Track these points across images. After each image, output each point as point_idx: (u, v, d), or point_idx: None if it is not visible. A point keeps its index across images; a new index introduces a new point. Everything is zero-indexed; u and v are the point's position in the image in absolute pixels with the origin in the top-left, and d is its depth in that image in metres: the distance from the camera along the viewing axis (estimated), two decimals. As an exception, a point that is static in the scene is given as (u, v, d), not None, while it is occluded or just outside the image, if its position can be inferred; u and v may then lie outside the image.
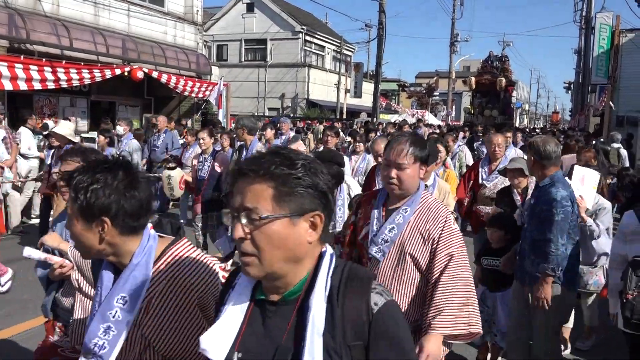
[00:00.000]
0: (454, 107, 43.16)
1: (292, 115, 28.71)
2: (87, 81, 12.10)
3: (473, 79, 25.94)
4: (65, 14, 12.87)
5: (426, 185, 3.90)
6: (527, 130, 27.20)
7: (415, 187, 2.46)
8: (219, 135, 7.96)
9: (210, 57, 30.12)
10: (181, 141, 10.22)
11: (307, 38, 31.97)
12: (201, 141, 6.24)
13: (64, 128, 6.31)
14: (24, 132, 9.13)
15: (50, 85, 11.07)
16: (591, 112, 24.69)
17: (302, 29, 31.21)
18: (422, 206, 2.45)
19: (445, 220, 2.40)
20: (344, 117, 29.05)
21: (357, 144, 7.03)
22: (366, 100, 32.85)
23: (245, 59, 32.74)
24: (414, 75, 66.05)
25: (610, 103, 18.81)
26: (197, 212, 6.31)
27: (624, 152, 11.08)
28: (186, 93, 15.25)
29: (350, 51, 36.95)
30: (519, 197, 4.43)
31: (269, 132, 8.29)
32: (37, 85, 10.77)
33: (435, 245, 2.37)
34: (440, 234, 2.37)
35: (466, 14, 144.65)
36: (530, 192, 4.20)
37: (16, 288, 5.42)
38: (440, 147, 5.61)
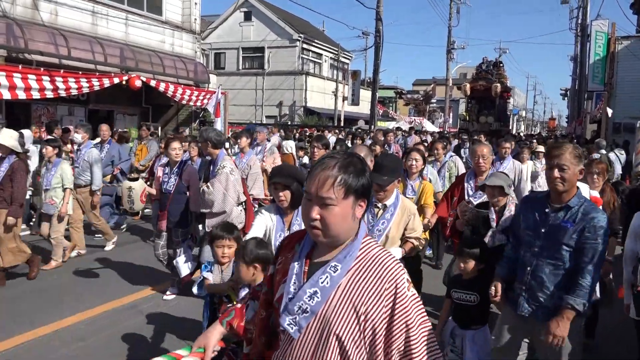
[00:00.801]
0: (451, 114, 43.31)
1: (290, 122, 28.75)
2: (85, 90, 12.10)
3: (468, 85, 25.44)
4: (63, 23, 12.90)
5: (385, 206, 3.63)
6: (522, 137, 26.84)
7: (350, 232, 1.64)
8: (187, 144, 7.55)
9: (208, 65, 30.18)
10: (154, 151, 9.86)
11: (305, 46, 32.08)
12: (174, 152, 5.59)
13: (7, 137, 5.74)
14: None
15: (49, 95, 11.07)
16: (588, 118, 24.80)
17: (300, 37, 31.33)
18: (360, 263, 1.63)
19: (396, 289, 1.58)
20: (342, 124, 29.11)
21: (317, 152, 5.39)
22: (364, 107, 32.93)
23: (242, 67, 32.82)
24: (411, 83, 66.32)
25: (608, 109, 18.87)
26: (161, 228, 5.65)
27: (613, 157, 11.97)
28: (184, 101, 15.27)
29: (348, 59, 37.07)
30: (494, 216, 3.88)
31: (244, 141, 7.61)
32: (36, 95, 10.77)
33: (377, 333, 1.57)
34: (390, 316, 1.57)
35: (463, 22, 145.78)
36: (510, 212, 3.76)
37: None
38: (416, 156, 5.18)
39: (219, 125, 14.81)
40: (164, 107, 16.58)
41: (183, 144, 6.11)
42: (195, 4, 17.14)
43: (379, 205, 3.64)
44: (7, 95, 10.21)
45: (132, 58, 14.18)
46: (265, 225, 3.29)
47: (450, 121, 41.77)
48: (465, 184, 4.93)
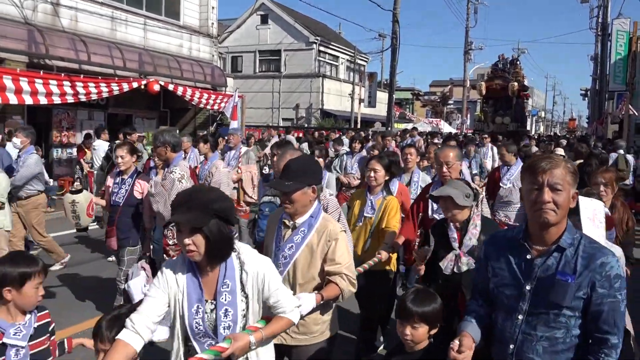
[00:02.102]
0: (468, 115, 42.92)
1: (306, 125, 28.77)
2: (105, 95, 12.26)
3: (483, 84, 24.52)
4: (83, 29, 13.09)
5: (295, 225, 2.74)
6: (544, 138, 26.20)
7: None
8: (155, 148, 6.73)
9: (225, 69, 30.38)
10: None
11: (321, 48, 32.11)
12: (120, 159, 4.96)
13: None
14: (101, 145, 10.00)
15: (70, 100, 11.23)
16: (609, 119, 24.38)
17: (316, 39, 31.36)
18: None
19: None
20: (359, 126, 29.04)
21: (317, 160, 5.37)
22: (380, 109, 32.81)
23: (259, 70, 32.96)
24: (428, 84, 65.99)
25: (631, 108, 18.53)
26: (111, 246, 5.09)
27: (630, 158, 11.55)
28: (201, 105, 15.38)
29: (364, 61, 37.00)
30: (455, 235, 3.13)
31: (203, 147, 6.72)
32: (57, 100, 10.93)
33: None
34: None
35: (480, 22, 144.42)
36: (475, 228, 3.09)
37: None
38: (376, 165, 4.21)
39: (236, 129, 14.90)
40: (181, 110, 16.71)
41: (136, 152, 5.32)
42: (213, 8, 17.26)
43: (289, 223, 2.76)
44: (29, 101, 10.38)
45: (151, 63, 14.33)
46: (167, 296, 2.16)
47: (468, 122, 41.40)
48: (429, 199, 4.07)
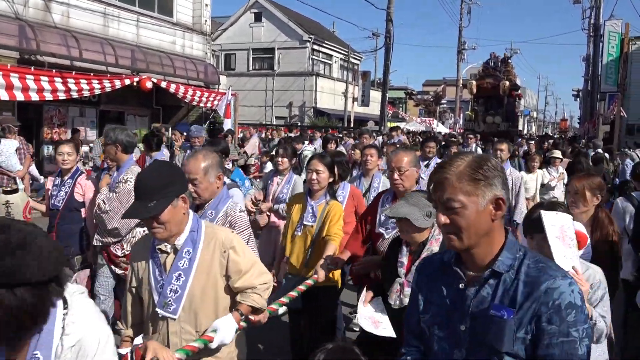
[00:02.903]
0: (461, 114, 43.07)
1: (299, 123, 28.74)
2: (97, 91, 12.17)
3: (474, 82, 24.14)
4: (75, 25, 12.98)
5: (175, 248, 2.24)
6: (535, 137, 26.21)
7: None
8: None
9: (218, 66, 30.27)
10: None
11: (315, 47, 32.07)
12: (64, 157, 4.40)
13: None
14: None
15: (61, 96, 11.13)
16: (600, 120, 24.55)
17: (310, 37, 31.32)
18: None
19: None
20: (352, 125, 29.05)
21: (281, 160, 5.06)
22: (374, 108, 32.85)
23: (252, 67, 32.88)
24: (421, 84, 66.10)
25: (622, 110, 18.67)
26: None
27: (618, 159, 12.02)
28: (194, 103, 15.31)
29: (358, 60, 37.01)
30: (405, 259, 2.68)
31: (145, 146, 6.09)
32: (49, 96, 10.83)
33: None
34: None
35: (473, 22, 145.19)
36: (428, 251, 2.60)
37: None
38: (318, 166, 3.60)
39: (229, 126, 14.86)
40: (174, 108, 16.62)
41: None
42: (206, 5, 17.18)
43: (167, 247, 2.22)
44: (20, 97, 10.28)
45: (143, 59, 14.24)
46: None
47: (461, 122, 41.54)
48: (379, 209, 3.41)
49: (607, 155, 11.93)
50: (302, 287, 3.13)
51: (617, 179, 9.99)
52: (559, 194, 7.57)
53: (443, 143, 13.55)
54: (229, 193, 3.04)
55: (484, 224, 1.48)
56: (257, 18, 32.37)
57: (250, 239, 2.89)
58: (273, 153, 11.15)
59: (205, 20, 17.31)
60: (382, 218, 3.33)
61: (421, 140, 12.14)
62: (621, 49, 23.17)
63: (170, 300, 2.18)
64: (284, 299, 2.99)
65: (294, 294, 3.06)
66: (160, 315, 2.21)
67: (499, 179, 1.48)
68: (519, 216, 5.44)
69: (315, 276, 3.22)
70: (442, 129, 33.72)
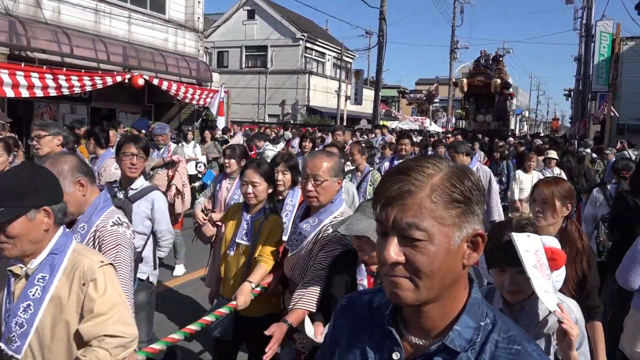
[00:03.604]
0: (453, 113, 43.23)
1: (292, 121, 28.71)
2: (88, 88, 12.10)
3: (465, 80, 23.51)
4: (66, 21, 12.88)
5: (28, 273, 1.88)
6: (528, 136, 25.93)
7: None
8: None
9: (211, 64, 30.15)
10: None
11: (308, 45, 32.02)
12: None
13: None
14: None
15: (52, 92, 11.06)
16: (591, 119, 24.72)
17: (303, 35, 31.27)
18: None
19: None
20: (345, 123, 29.06)
21: (228, 161, 4.57)
22: (367, 106, 32.86)
23: (245, 65, 32.79)
24: (414, 82, 66.22)
25: (613, 109, 18.81)
26: None
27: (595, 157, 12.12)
28: (187, 100, 15.25)
29: (351, 58, 37.00)
30: (365, 282, 2.27)
31: (89, 143, 5.54)
32: (39, 93, 10.77)
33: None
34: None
35: (466, 22, 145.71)
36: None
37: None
38: (254, 177, 3.01)
39: (223, 123, 14.81)
40: (166, 105, 16.55)
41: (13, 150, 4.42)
42: (199, 2, 17.11)
43: (21, 269, 1.86)
44: (10, 94, 10.21)
45: (135, 56, 14.16)
46: None
47: (453, 121, 41.69)
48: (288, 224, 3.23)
49: (594, 155, 12.13)
50: (208, 319, 2.60)
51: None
52: None
53: (426, 142, 12.50)
54: (107, 201, 2.48)
55: (453, 269, 0.99)
56: (250, 15, 32.27)
57: (119, 259, 2.29)
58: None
59: (198, 17, 17.23)
60: (288, 232, 2.93)
61: (397, 134, 10.93)
62: (612, 49, 23.33)
63: (14, 336, 1.78)
64: (192, 326, 2.46)
65: (208, 319, 2.60)
66: (3, 352, 1.82)
67: (481, 206, 1.02)
68: (498, 215, 5.22)
69: (233, 304, 2.68)
70: (434, 127, 33.80)
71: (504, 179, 9.94)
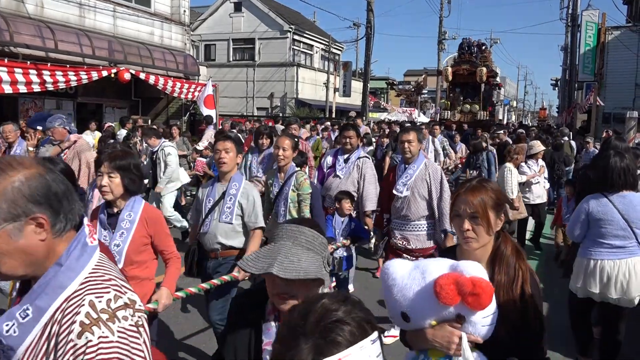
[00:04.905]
0: (439, 104, 43.36)
1: (281, 114, 28.65)
2: (73, 84, 11.96)
3: (449, 69, 22.58)
4: (49, 15, 12.71)
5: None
6: (515, 126, 25.75)
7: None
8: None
9: (198, 57, 29.95)
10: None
11: (296, 37, 31.89)
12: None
13: None
14: None
15: (36, 88, 10.93)
16: (578, 109, 24.92)
17: (291, 28, 31.12)
18: None
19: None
20: (333, 116, 29.04)
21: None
22: (355, 98, 32.87)
23: (233, 58, 32.59)
24: (402, 74, 66.30)
25: (598, 99, 18.98)
26: None
27: (574, 144, 12.78)
28: (175, 94, 15.14)
29: (339, 50, 36.91)
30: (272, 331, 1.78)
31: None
32: (23, 89, 10.63)
33: None
34: None
35: (454, 12, 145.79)
36: None
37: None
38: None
39: (213, 116, 14.65)
40: (154, 99, 16.44)
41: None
42: (185, -5, 16.96)
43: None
44: (-7, 90, 10.07)
45: (121, 51, 14.02)
46: None
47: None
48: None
49: (572, 143, 12.64)
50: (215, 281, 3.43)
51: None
52: (541, 190, 7.17)
53: (393, 131, 10.90)
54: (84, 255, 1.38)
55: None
56: (237, 8, 32.04)
57: None
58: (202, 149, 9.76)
59: (184, 10, 17.09)
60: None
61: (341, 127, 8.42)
62: (598, 39, 23.48)
63: None
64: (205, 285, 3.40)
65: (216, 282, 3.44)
66: None
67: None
68: (448, 223, 4.15)
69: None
70: (423, 118, 33.83)
71: (483, 174, 9.01)
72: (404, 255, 4.18)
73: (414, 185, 4.31)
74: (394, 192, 4.38)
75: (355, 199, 5.17)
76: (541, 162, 7.37)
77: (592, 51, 23.85)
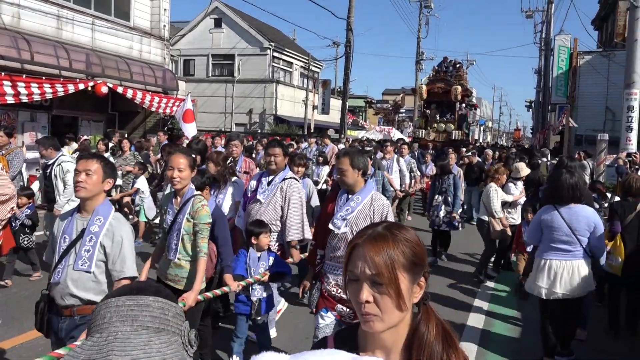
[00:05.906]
0: (413, 122, 43.88)
1: (260, 130, 28.60)
2: (49, 96, 11.78)
3: (424, 87, 22.27)
4: (26, 26, 12.54)
5: None
6: (502, 145, 25.94)
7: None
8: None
9: (177, 72, 29.82)
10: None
11: (275, 54, 32.04)
12: None
13: None
14: None
15: (10, 100, 10.73)
16: (551, 130, 25.49)
17: (270, 45, 31.27)
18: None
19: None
20: (312, 132, 29.13)
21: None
22: (334, 116, 33.04)
23: (212, 74, 32.54)
24: (380, 92, 66.99)
25: (571, 121, 19.44)
26: None
27: (550, 165, 12.90)
28: (153, 109, 15.02)
29: (318, 68, 37.19)
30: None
31: None
32: (-4, 100, 10.43)
33: None
34: None
35: (431, 34, 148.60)
36: None
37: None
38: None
39: (194, 131, 14.45)
40: (131, 113, 16.26)
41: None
42: (165, 10, 16.93)
43: None
44: (-35, 101, 9.85)
45: (99, 64, 13.88)
46: None
47: (419, 131, 42.31)
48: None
49: (549, 163, 12.90)
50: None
51: None
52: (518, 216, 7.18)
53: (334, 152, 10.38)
54: None
55: None
56: (217, 24, 32.10)
57: None
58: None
59: (164, 25, 17.05)
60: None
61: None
62: (570, 63, 24.17)
63: None
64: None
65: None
66: None
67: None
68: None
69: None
70: (400, 137, 34.18)
71: (449, 199, 7.97)
72: (338, 305, 3.37)
73: (354, 222, 3.42)
74: (330, 225, 3.51)
75: (279, 227, 4.56)
76: (520, 184, 7.45)
77: (564, 74, 24.53)
